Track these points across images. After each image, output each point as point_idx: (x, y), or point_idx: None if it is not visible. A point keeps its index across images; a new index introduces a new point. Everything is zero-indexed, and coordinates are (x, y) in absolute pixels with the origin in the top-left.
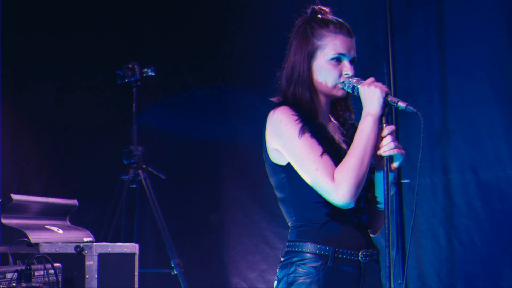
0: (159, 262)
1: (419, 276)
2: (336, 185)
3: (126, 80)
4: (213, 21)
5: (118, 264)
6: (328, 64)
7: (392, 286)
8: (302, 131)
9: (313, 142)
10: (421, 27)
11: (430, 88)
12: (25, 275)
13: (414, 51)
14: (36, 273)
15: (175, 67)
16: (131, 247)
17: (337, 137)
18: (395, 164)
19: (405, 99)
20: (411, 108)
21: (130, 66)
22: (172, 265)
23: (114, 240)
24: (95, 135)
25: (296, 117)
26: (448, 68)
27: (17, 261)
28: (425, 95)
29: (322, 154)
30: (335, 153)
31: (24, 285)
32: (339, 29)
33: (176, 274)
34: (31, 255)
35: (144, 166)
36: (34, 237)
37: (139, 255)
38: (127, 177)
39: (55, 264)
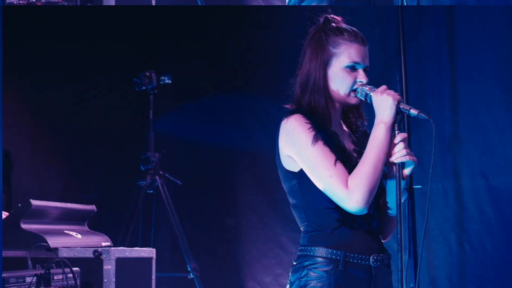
0: (175, 266)
1: (431, 280)
2: (349, 192)
3: (143, 88)
4: (228, 31)
5: (135, 268)
6: (343, 72)
7: None
8: (316, 139)
9: (326, 150)
10: (432, 35)
11: (441, 95)
12: (44, 279)
13: (425, 59)
14: (55, 277)
15: (191, 75)
16: (148, 252)
17: (349, 145)
18: (406, 171)
19: (417, 106)
20: (422, 115)
21: (147, 74)
22: (188, 269)
23: (131, 245)
24: (112, 142)
25: (309, 125)
26: (458, 75)
27: (36, 266)
28: (436, 102)
29: (335, 162)
30: (347, 161)
31: None
32: (354, 37)
33: (192, 278)
34: (50, 259)
35: (160, 172)
36: (52, 242)
37: (156, 259)
38: (144, 183)
39: (74, 269)
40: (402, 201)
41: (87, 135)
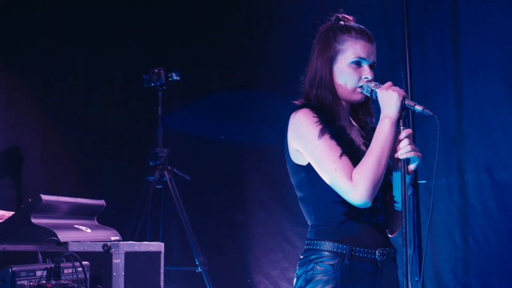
0: (184, 260)
1: (435, 274)
2: (353, 185)
3: (152, 84)
4: (236, 29)
5: (144, 262)
6: (348, 68)
7: (409, 283)
8: (322, 132)
9: (333, 144)
10: (437, 32)
11: (446, 91)
12: (54, 273)
13: (430, 56)
14: (65, 271)
15: (199, 72)
16: (157, 246)
17: (357, 139)
18: (411, 166)
19: (421, 103)
20: (427, 111)
21: (155, 70)
22: (197, 263)
23: (140, 239)
24: (122, 138)
25: (316, 119)
26: (463, 72)
27: (46, 260)
28: (440, 98)
29: (341, 155)
30: (353, 155)
31: (53, 282)
32: (360, 34)
33: (200, 272)
34: (60, 253)
35: (169, 168)
36: (62, 236)
37: (164, 253)
38: (152, 178)
39: (83, 262)
40: (408, 195)
41: (96, 131)
